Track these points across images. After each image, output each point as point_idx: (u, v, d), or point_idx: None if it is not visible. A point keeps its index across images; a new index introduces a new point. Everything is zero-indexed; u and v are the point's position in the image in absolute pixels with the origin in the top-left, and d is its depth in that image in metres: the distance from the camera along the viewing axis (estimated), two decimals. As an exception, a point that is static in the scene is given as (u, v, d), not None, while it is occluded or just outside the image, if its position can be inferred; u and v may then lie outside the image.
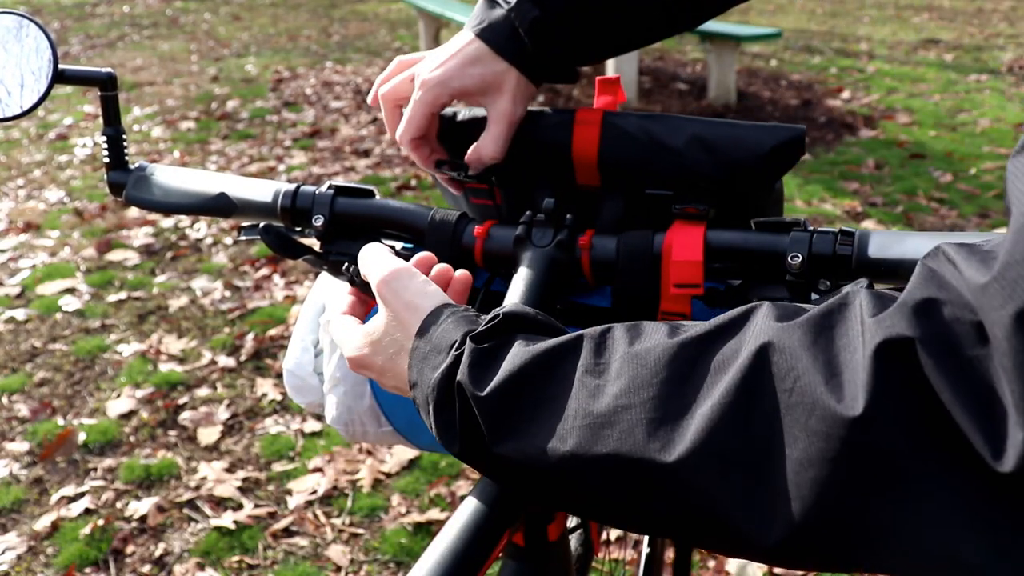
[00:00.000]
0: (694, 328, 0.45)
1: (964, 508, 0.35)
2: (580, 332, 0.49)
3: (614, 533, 1.80)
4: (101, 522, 1.93)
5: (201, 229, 3.47)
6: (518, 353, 0.48)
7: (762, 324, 0.42)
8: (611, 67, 4.85)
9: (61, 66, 0.75)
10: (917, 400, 0.36)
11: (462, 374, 0.49)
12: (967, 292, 0.36)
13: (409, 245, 0.75)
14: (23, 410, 2.35)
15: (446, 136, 0.75)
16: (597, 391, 0.45)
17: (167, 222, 3.53)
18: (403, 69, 0.76)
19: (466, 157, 0.72)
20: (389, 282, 0.57)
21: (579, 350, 0.47)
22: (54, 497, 2.02)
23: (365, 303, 0.67)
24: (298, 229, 0.77)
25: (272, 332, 2.67)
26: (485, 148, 0.71)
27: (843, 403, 0.37)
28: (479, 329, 0.51)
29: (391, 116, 0.77)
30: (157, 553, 1.85)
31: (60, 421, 2.30)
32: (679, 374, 0.43)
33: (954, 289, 0.36)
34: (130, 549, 1.87)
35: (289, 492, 2.02)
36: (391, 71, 0.76)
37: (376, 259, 0.60)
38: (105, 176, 0.81)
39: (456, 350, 0.51)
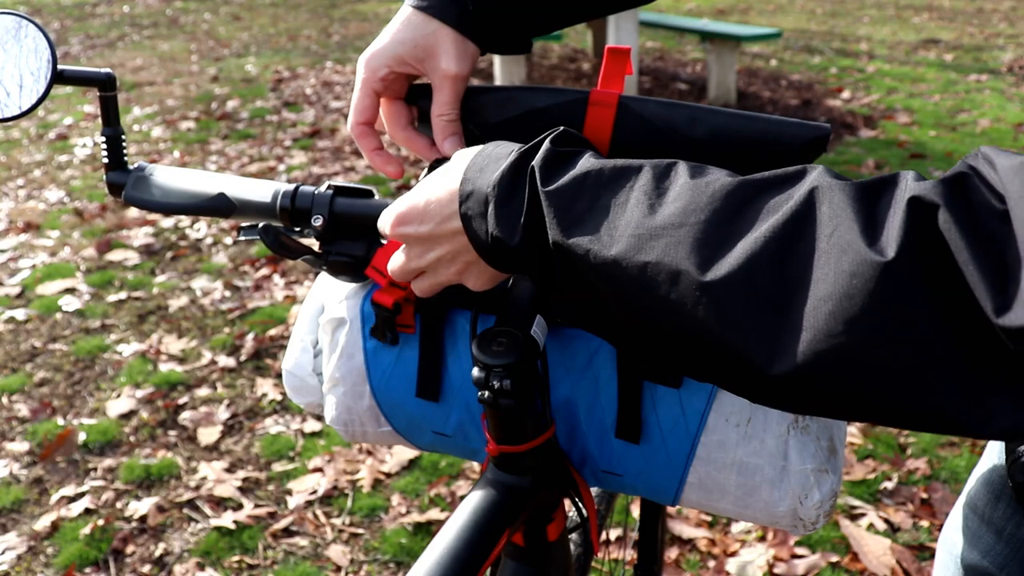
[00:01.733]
0: (756, 176, 0.48)
1: (959, 361, 0.39)
2: (645, 162, 0.51)
3: (614, 533, 1.80)
4: (101, 522, 1.93)
5: (201, 229, 3.47)
6: (588, 163, 0.52)
7: (816, 180, 0.45)
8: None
9: (60, 66, 0.75)
10: (937, 258, 0.39)
11: (537, 162, 0.52)
12: (997, 177, 0.39)
13: None
14: (23, 410, 2.35)
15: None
16: (652, 208, 0.48)
17: (167, 222, 3.53)
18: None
19: (436, 136, 0.72)
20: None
21: (643, 173, 0.50)
22: (54, 497, 2.02)
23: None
24: (297, 229, 0.77)
25: (272, 332, 2.67)
26: (436, 112, 0.71)
27: (875, 247, 0.40)
28: (554, 137, 0.55)
29: (363, 140, 0.76)
30: (157, 553, 1.85)
31: (60, 421, 2.30)
32: (732, 207, 0.46)
33: (986, 175, 0.40)
34: (130, 549, 1.87)
35: (289, 492, 2.02)
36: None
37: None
38: (104, 176, 0.81)
39: (521, 150, 0.54)
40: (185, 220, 3.52)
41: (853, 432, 2.17)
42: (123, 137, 0.81)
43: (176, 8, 9.24)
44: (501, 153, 0.55)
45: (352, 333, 0.76)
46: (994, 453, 0.76)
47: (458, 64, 0.70)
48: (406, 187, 3.80)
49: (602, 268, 0.48)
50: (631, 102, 0.67)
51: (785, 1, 9.45)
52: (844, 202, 0.43)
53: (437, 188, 0.58)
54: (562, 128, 0.56)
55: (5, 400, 2.40)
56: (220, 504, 1.99)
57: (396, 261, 0.63)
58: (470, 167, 0.56)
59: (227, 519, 1.92)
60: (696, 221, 0.46)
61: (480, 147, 0.58)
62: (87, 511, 1.97)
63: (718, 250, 0.45)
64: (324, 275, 0.80)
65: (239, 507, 1.98)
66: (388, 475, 2.07)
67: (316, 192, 0.75)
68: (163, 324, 2.77)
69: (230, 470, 2.10)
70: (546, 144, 0.53)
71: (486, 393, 0.60)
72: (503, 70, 4.63)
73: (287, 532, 1.90)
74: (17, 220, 3.65)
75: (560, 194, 0.50)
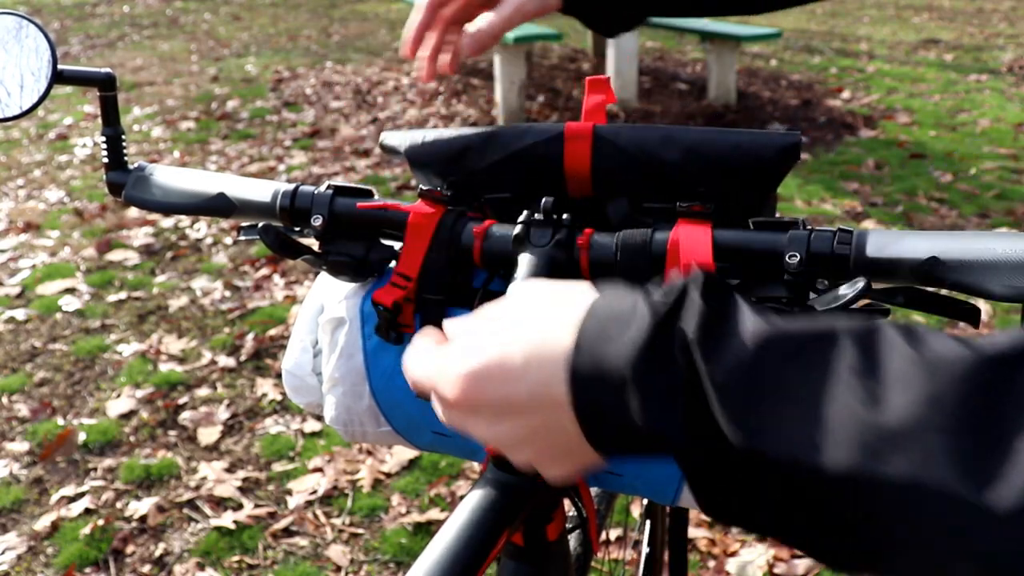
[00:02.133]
0: (994, 341, 0.36)
1: None
2: (834, 326, 0.38)
3: (614, 533, 1.80)
4: (101, 522, 1.93)
5: (201, 229, 3.47)
6: (758, 327, 0.38)
7: None
8: (611, 67, 4.85)
9: (60, 66, 0.75)
10: None
11: (694, 333, 0.38)
12: None
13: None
14: (23, 410, 2.35)
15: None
16: (874, 398, 0.35)
17: (167, 222, 3.53)
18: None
19: (462, 40, 0.72)
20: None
21: (835, 341, 0.37)
22: (54, 497, 2.02)
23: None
24: (297, 229, 0.77)
25: (272, 332, 2.67)
26: (484, 25, 0.69)
27: None
28: (702, 279, 0.41)
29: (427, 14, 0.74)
30: (157, 553, 1.85)
31: (60, 421, 2.30)
32: (990, 395, 0.34)
33: None
34: (130, 549, 1.87)
35: (289, 492, 2.02)
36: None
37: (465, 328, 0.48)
38: (104, 176, 0.81)
39: (657, 316, 0.40)
40: (185, 220, 3.52)
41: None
42: (123, 137, 0.81)
43: (176, 8, 9.24)
44: (624, 311, 0.41)
45: (352, 333, 0.76)
46: None
47: (531, 3, 0.68)
48: (407, 187, 3.80)
49: (811, 482, 0.35)
50: (605, 132, 0.68)
51: (785, 1, 9.45)
52: None
53: (521, 341, 0.44)
54: (699, 270, 0.42)
55: (5, 400, 2.40)
56: (220, 504, 1.99)
57: (439, 406, 0.48)
58: (585, 331, 0.42)
59: (227, 519, 1.92)
60: (949, 421, 0.33)
61: (584, 295, 0.44)
62: (87, 511, 1.97)
63: (993, 463, 0.32)
64: (324, 275, 0.80)
65: (239, 507, 1.98)
66: (388, 475, 2.07)
67: (316, 192, 0.75)
68: (163, 324, 2.77)
69: (230, 470, 2.10)
70: (696, 301, 0.40)
71: (486, 393, 0.59)
72: (503, 71, 4.63)
73: (287, 532, 1.90)
74: (17, 220, 3.65)
75: (736, 380, 0.37)
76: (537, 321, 0.44)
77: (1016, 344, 0.35)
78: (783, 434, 0.36)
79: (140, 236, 3.42)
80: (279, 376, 2.45)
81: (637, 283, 0.64)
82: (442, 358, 0.47)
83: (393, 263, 0.72)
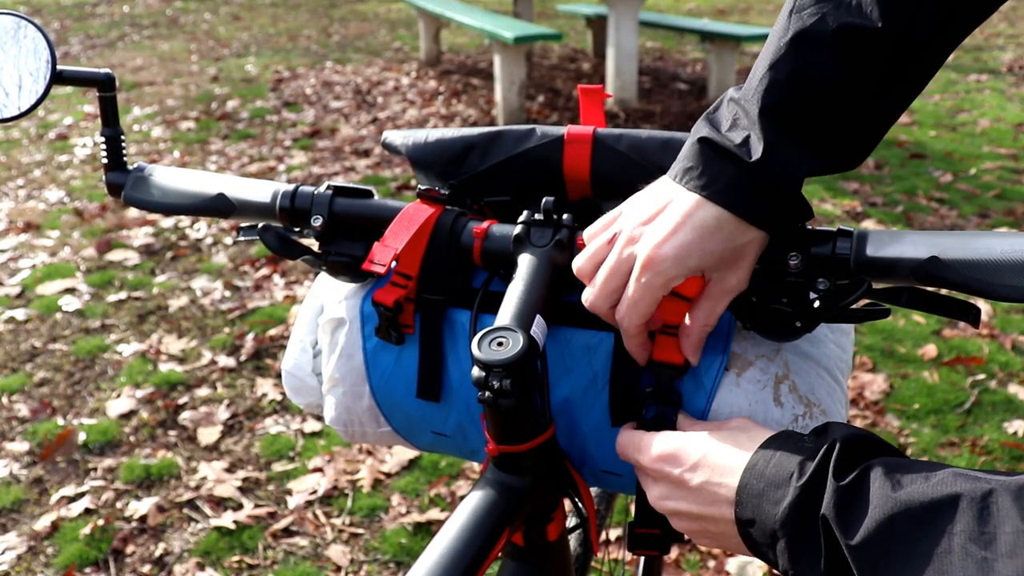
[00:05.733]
0: None
1: None
2: (956, 490, 0.45)
3: (613, 533, 1.80)
4: (101, 522, 1.93)
5: (201, 229, 3.47)
6: (885, 499, 0.45)
7: None
8: (611, 68, 4.85)
9: (59, 67, 0.75)
10: None
11: (829, 511, 0.47)
12: None
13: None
14: (23, 410, 2.35)
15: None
16: (985, 566, 0.41)
17: (167, 222, 3.53)
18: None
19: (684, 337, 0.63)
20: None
21: (956, 509, 0.43)
22: (54, 497, 2.02)
23: None
24: (297, 229, 0.77)
25: (272, 332, 2.67)
26: (702, 320, 0.61)
27: None
28: (833, 461, 0.49)
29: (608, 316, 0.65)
30: (157, 553, 1.85)
31: (60, 421, 2.30)
32: None
33: None
34: (130, 549, 1.87)
35: (289, 492, 2.02)
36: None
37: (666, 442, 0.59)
38: (104, 177, 0.81)
39: (801, 482, 0.49)
40: (185, 220, 3.52)
41: (853, 432, 2.17)
42: (123, 137, 0.81)
43: (176, 8, 9.24)
44: (780, 477, 0.50)
45: (352, 333, 0.75)
46: None
47: (748, 276, 0.60)
48: (407, 187, 3.80)
49: None
50: (605, 137, 0.69)
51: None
52: None
53: (715, 455, 0.55)
54: (840, 440, 0.50)
55: (5, 400, 2.40)
56: (220, 504, 1.99)
57: (627, 441, 0.63)
58: (745, 488, 0.52)
59: (227, 519, 1.92)
60: None
61: (751, 456, 0.53)
62: (87, 511, 1.97)
63: None
64: (324, 275, 0.80)
65: (239, 507, 1.98)
66: (388, 475, 2.07)
67: (316, 192, 0.75)
68: (163, 324, 2.77)
69: (230, 470, 2.10)
70: (831, 484, 0.48)
71: (486, 393, 0.59)
72: (503, 71, 4.63)
73: (287, 532, 1.90)
74: (17, 220, 3.65)
75: (869, 548, 0.44)
76: (708, 471, 0.56)
77: None
78: None
79: (140, 236, 3.42)
80: (279, 376, 2.45)
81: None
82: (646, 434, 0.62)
83: (394, 263, 0.73)
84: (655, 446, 0.60)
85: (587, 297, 0.63)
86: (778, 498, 0.50)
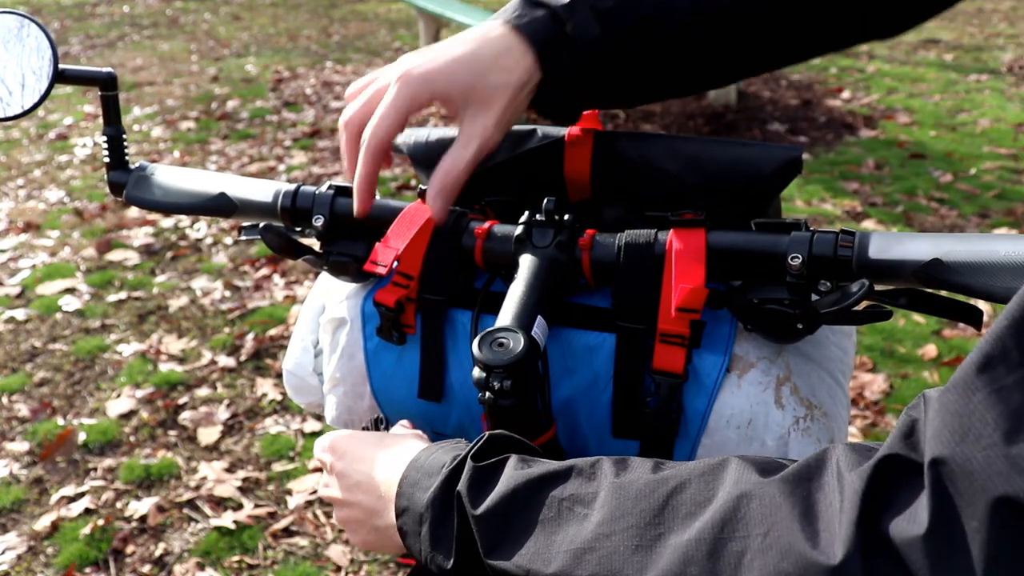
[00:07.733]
0: (676, 467, 0.48)
1: None
2: (572, 462, 0.51)
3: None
4: (101, 522, 1.93)
5: (201, 229, 3.47)
6: (512, 476, 0.51)
7: (739, 474, 0.45)
8: (611, 67, 4.84)
9: (61, 66, 0.75)
10: (890, 557, 0.36)
11: (463, 485, 0.51)
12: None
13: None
14: (23, 410, 2.35)
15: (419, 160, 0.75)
16: (583, 519, 0.47)
17: (167, 222, 3.53)
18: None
19: (429, 184, 0.68)
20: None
21: (568, 478, 0.50)
22: (54, 497, 2.02)
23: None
24: (298, 229, 0.77)
25: (272, 332, 2.67)
26: (442, 166, 0.65)
27: (819, 550, 0.38)
28: (475, 448, 0.54)
29: (350, 146, 0.68)
30: (157, 553, 1.85)
31: (60, 421, 2.30)
32: (655, 508, 0.46)
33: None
34: (130, 549, 1.87)
35: (289, 492, 2.02)
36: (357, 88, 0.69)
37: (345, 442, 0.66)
38: (105, 176, 0.81)
39: (449, 467, 0.54)
40: (185, 220, 3.52)
41: (854, 433, 2.17)
42: (124, 137, 0.81)
43: (176, 8, 9.24)
44: (433, 467, 0.55)
45: (353, 333, 0.75)
46: None
47: (499, 132, 0.65)
48: (407, 187, 3.80)
49: None
50: (606, 139, 0.68)
51: (785, 1, 9.44)
52: (776, 498, 0.42)
53: (380, 459, 0.61)
54: (487, 434, 0.55)
55: (5, 400, 2.40)
56: (220, 504, 1.99)
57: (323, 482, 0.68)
58: (405, 480, 0.57)
59: (227, 519, 1.92)
60: (624, 528, 0.46)
61: (417, 452, 0.59)
62: (87, 511, 1.97)
63: (649, 555, 0.44)
64: (325, 275, 0.80)
65: (239, 507, 1.98)
66: (388, 475, 2.07)
67: (317, 192, 0.75)
68: (163, 324, 2.77)
69: (230, 470, 2.10)
70: (468, 463, 0.53)
71: (487, 394, 0.60)
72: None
73: (287, 532, 1.90)
74: (17, 220, 3.65)
75: (491, 517, 0.50)
76: (387, 448, 0.61)
77: (687, 468, 0.47)
78: (524, 554, 0.48)
79: (140, 236, 3.42)
80: (279, 376, 2.45)
81: (638, 284, 0.65)
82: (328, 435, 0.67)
83: (395, 263, 0.73)
84: (330, 441, 0.66)
85: (345, 113, 0.68)
86: (428, 484, 0.54)
